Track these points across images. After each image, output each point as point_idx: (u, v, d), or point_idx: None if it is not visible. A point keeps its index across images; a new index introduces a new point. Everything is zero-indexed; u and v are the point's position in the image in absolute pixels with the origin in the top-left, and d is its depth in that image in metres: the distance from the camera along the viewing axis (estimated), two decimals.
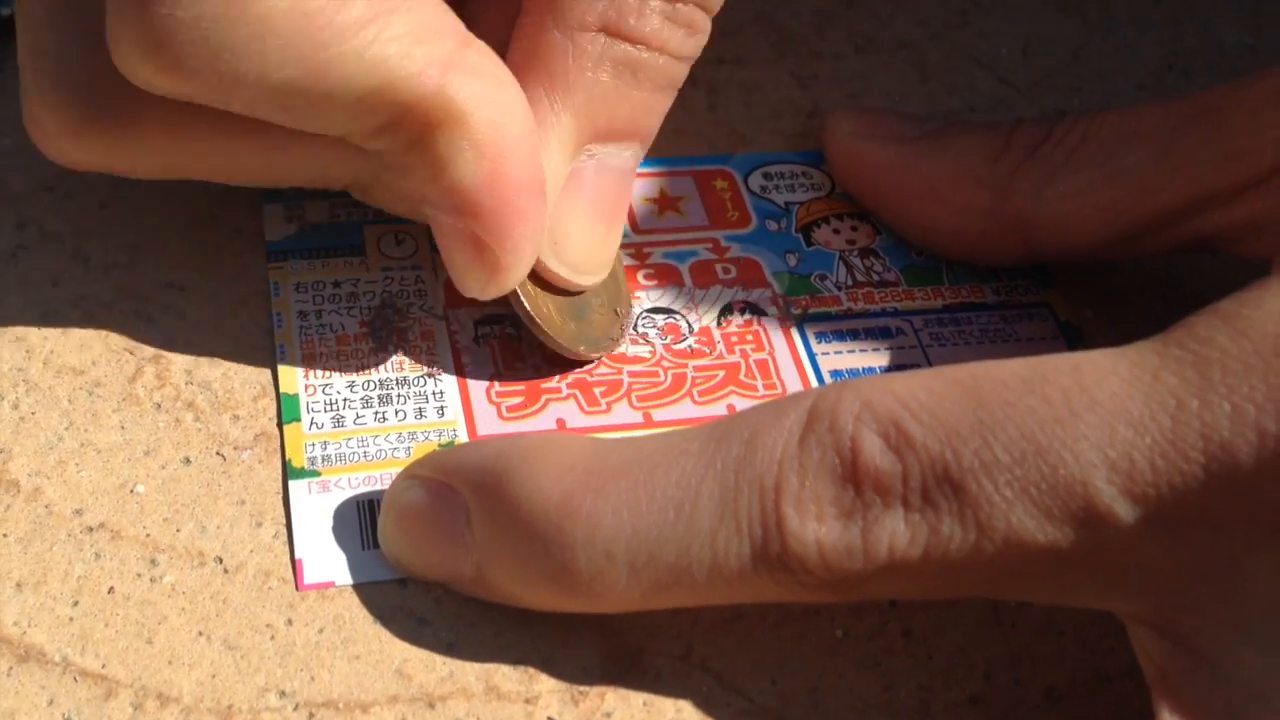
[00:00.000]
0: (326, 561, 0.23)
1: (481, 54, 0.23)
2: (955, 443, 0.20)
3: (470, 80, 0.22)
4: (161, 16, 0.20)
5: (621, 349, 0.26)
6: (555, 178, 0.24)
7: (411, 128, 0.22)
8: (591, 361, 0.26)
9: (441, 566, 0.23)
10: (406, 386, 0.26)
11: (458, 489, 0.22)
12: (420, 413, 0.25)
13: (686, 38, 0.24)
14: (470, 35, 0.23)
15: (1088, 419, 0.19)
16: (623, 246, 0.28)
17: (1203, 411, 0.19)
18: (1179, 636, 0.20)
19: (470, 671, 0.22)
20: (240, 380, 0.26)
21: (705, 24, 0.24)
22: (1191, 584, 0.19)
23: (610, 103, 0.24)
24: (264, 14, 0.20)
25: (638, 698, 0.22)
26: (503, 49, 0.24)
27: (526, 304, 0.25)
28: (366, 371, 0.26)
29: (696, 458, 0.21)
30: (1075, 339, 0.28)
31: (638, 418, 0.26)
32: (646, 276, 0.28)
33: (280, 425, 0.25)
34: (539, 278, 0.25)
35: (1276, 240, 0.24)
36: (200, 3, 0.20)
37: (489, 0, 0.26)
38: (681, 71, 0.25)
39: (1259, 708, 0.19)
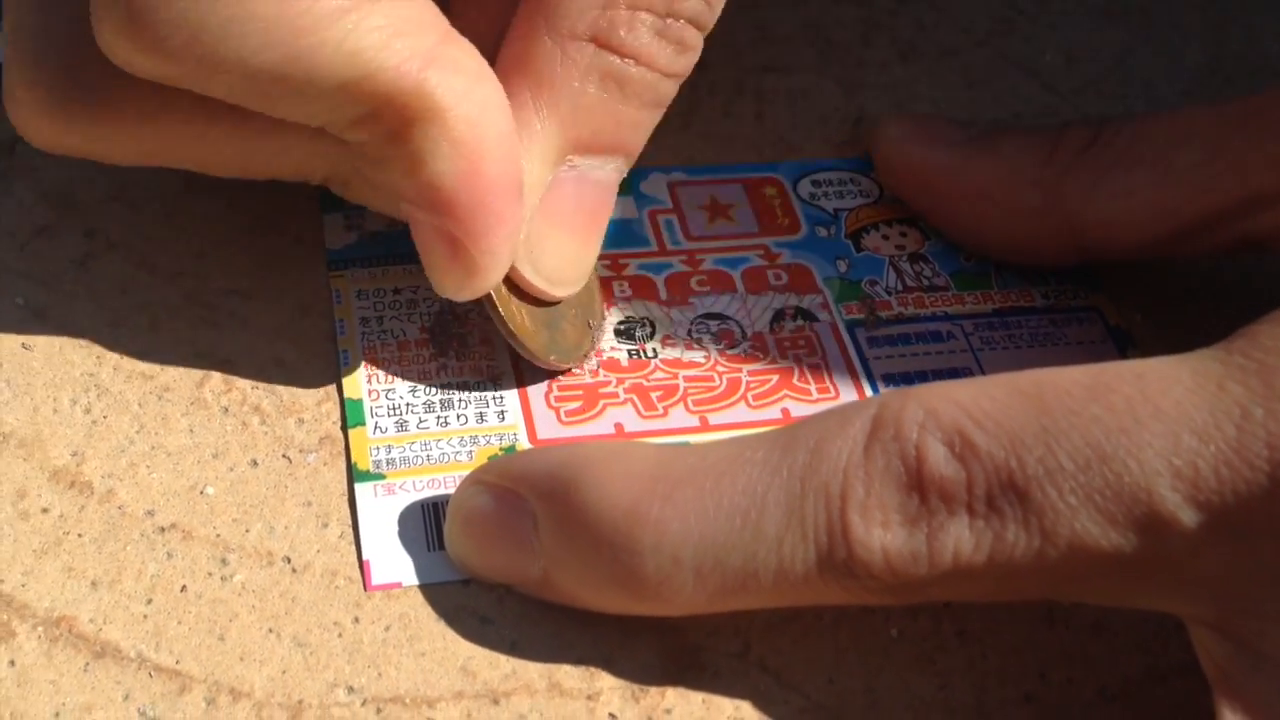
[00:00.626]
0: (393, 562, 0.24)
1: (463, 50, 0.23)
2: (1020, 450, 0.20)
3: (450, 75, 0.22)
4: None
5: (592, 363, 0.27)
6: (535, 185, 0.24)
7: (390, 120, 0.22)
8: (562, 371, 0.26)
9: (508, 570, 0.23)
10: (467, 391, 0.26)
11: (524, 495, 0.23)
12: (481, 417, 0.26)
13: (676, 55, 0.24)
14: (453, 31, 0.23)
15: (1152, 427, 0.19)
16: (675, 253, 0.29)
17: (1268, 420, 0.19)
18: (1241, 639, 0.20)
19: (533, 669, 0.23)
20: (304, 385, 0.26)
21: (696, 41, 0.24)
22: (1254, 589, 0.19)
23: (595, 115, 0.24)
24: None
25: (697, 695, 0.23)
26: (484, 51, 0.24)
27: (500, 309, 0.25)
28: (428, 377, 0.26)
29: (762, 466, 0.21)
30: (1124, 342, 0.28)
31: (694, 421, 0.26)
32: (699, 283, 0.28)
33: (345, 429, 0.25)
34: (514, 284, 0.25)
35: None
36: None
37: (472, 1, 0.26)
38: (670, 89, 0.25)
39: None
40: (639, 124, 0.25)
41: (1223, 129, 0.26)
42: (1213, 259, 0.29)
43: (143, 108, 0.24)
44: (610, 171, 0.25)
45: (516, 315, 0.25)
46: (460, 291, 0.24)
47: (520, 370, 0.26)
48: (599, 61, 0.24)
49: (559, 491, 0.22)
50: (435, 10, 0.23)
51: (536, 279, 0.25)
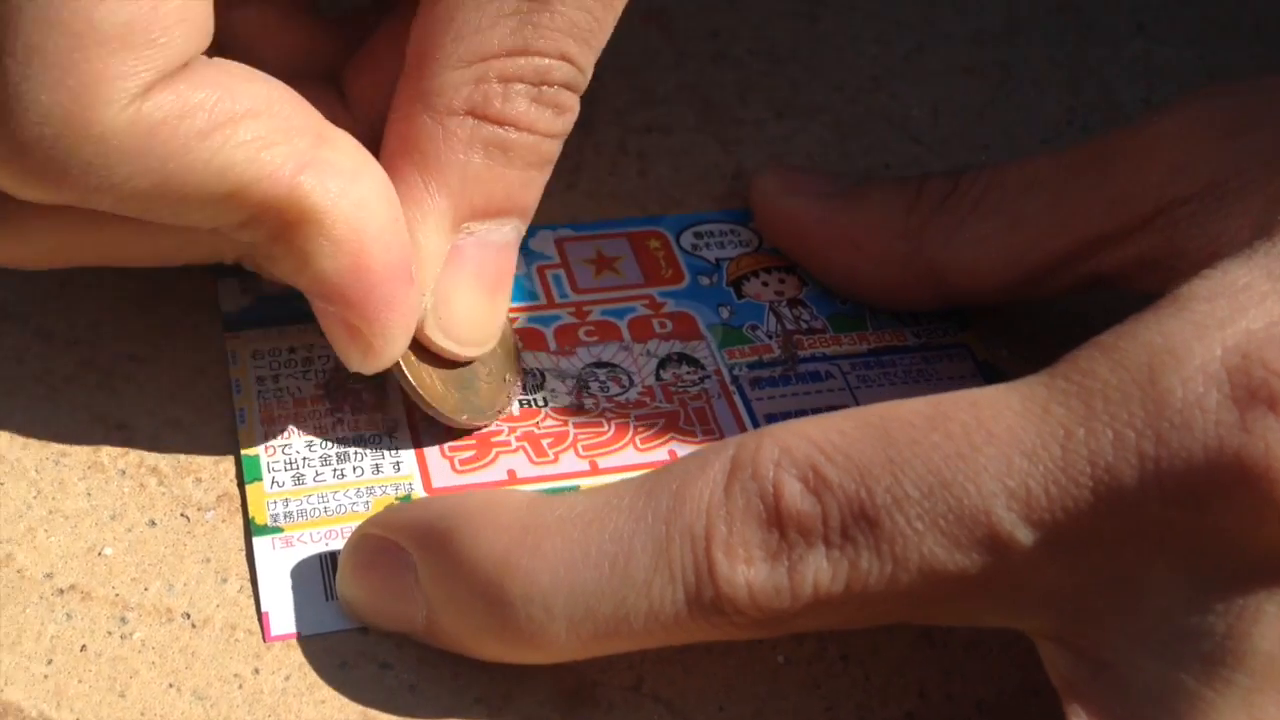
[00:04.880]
0: (291, 613, 0.24)
1: (339, 149, 0.24)
2: (869, 481, 0.21)
3: (325, 178, 0.23)
4: (7, 134, 0.21)
5: (511, 411, 0.27)
6: (435, 256, 0.25)
7: (271, 224, 0.23)
8: (477, 429, 0.27)
9: (395, 619, 0.24)
10: (363, 444, 0.27)
11: (406, 546, 0.23)
12: (377, 469, 0.27)
13: (555, 117, 0.25)
14: (331, 130, 0.24)
15: (987, 451, 0.20)
16: (563, 305, 0.30)
17: (1089, 439, 0.20)
18: (1081, 649, 0.21)
19: (432, 711, 0.24)
20: (201, 445, 0.27)
21: (573, 103, 0.25)
22: (1090, 600, 0.21)
23: (484, 182, 0.25)
24: (103, 133, 0.21)
25: None
26: (379, 125, 0.25)
27: (410, 376, 0.26)
28: (324, 431, 0.27)
29: (628, 512, 0.22)
30: (992, 376, 0.30)
31: (584, 466, 0.27)
32: (587, 333, 0.30)
33: (242, 485, 0.26)
34: (423, 349, 0.26)
35: (1164, 275, 0.25)
36: (40, 124, 0.21)
37: (361, 76, 0.27)
38: (553, 148, 0.26)
39: (1156, 709, 0.20)
40: (528, 184, 0.26)
41: (1067, 176, 0.28)
42: (1070, 298, 0.31)
43: (47, 221, 0.24)
44: (508, 232, 0.26)
45: (426, 380, 0.26)
46: (365, 367, 0.25)
47: (415, 421, 0.27)
48: (480, 132, 0.25)
49: (436, 543, 0.23)
50: (312, 114, 0.24)
51: (446, 342, 0.26)
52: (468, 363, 0.27)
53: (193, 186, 0.22)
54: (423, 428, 0.27)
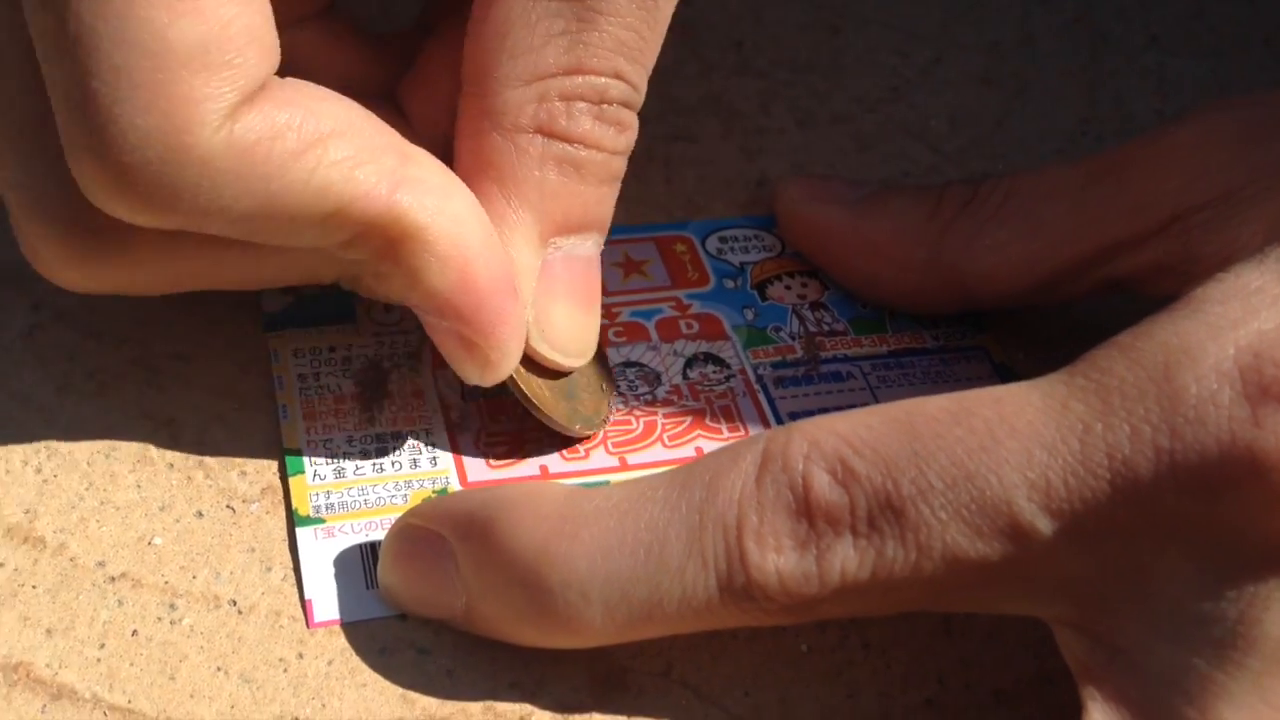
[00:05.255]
0: (333, 600, 0.25)
1: (426, 167, 0.24)
2: (894, 473, 0.22)
3: (420, 195, 0.24)
4: (111, 162, 0.22)
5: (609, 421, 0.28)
6: (528, 271, 0.26)
7: (375, 241, 0.24)
8: (587, 438, 0.28)
9: (435, 606, 0.25)
10: (401, 440, 0.28)
11: (446, 537, 0.24)
12: (414, 463, 0.27)
13: (618, 134, 0.26)
14: (411, 148, 0.24)
15: (1008, 445, 0.21)
16: None
17: (1106, 433, 0.21)
18: (1097, 635, 0.22)
19: (469, 695, 0.24)
20: (246, 439, 0.28)
21: (633, 121, 0.26)
22: (1106, 587, 0.21)
23: (562, 197, 0.26)
24: (204, 156, 0.22)
25: (623, 713, 0.24)
26: (440, 141, 0.26)
27: (524, 388, 0.27)
28: (363, 427, 0.28)
29: (662, 503, 0.23)
30: (1008, 378, 0.30)
31: (614, 462, 0.28)
32: (616, 334, 0.31)
33: (284, 478, 0.27)
34: (529, 361, 0.27)
35: (1178, 281, 0.26)
36: (143, 149, 0.21)
37: (416, 94, 0.27)
38: (620, 165, 0.26)
39: (1169, 692, 0.21)
40: (602, 200, 0.27)
41: (1084, 184, 0.29)
42: (1086, 303, 0.32)
43: (153, 247, 0.25)
44: (590, 246, 0.27)
45: (539, 391, 0.27)
46: (483, 379, 0.26)
47: (450, 419, 0.28)
48: (551, 150, 0.25)
49: (476, 533, 0.24)
50: (390, 132, 0.24)
51: (551, 353, 0.27)
52: (568, 373, 0.27)
53: (296, 206, 0.23)
54: (457, 424, 0.28)
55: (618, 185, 0.27)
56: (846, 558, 0.22)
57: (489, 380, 0.26)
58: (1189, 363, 0.21)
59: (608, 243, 0.32)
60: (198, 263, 0.25)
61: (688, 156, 0.35)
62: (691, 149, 0.35)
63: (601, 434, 0.28)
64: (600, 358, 0.29)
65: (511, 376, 0.26)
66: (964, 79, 0.38)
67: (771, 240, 0.33)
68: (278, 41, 0.23)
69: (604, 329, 0.30)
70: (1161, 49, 0.39)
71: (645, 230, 0.33)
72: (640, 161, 0.35)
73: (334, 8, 0.28)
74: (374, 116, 0.24)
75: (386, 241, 0.24)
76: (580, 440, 0.28)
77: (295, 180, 0.23)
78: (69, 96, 0.22)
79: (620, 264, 0.32)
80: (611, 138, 0.26)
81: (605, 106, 0.25)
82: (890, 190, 0.32)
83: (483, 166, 0.25)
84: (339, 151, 0.23)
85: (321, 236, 0.24)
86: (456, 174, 0.25)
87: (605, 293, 0.31)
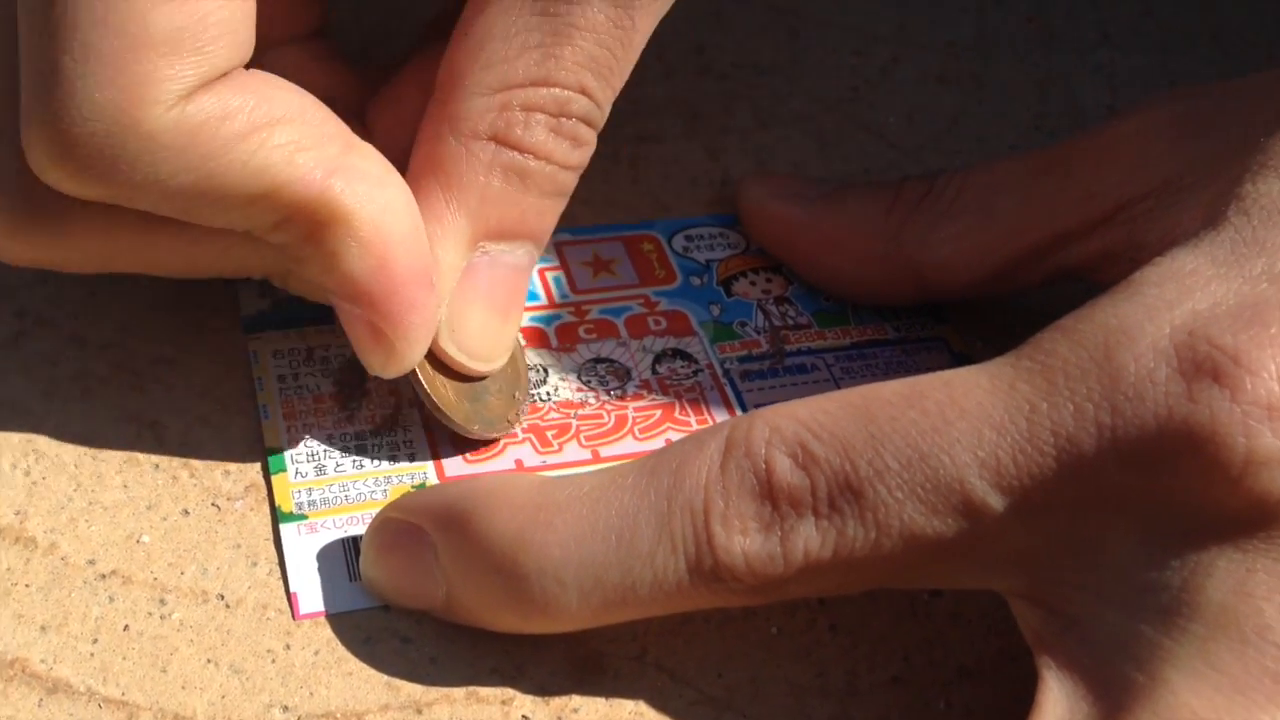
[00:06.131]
0: (318, 593, 0.26)
1: (366, 158, 0.25)
2: (852, 456, 0.23)
3: (354, 182, 0.25)
4: (60, 130, 0.23)
5: (516, 431, 0.29)
6: (451, 270, 0.27)
7: (303, 225, 0.25)
8: (489, 441, 0.29)
9: (415, 596, 0.26)
10: (379, 437, 0.29)
11: (425, 528, 0.25)
12: (393, 459, 0.28)
13: (572, 149, 0.27)
14: (356, 140, 0.25)
15: (959, 426, 0.22)
16: (563, 305, 0.32)
17: (1051, 412, 0.22)
18: (1050, 605, 0.23)
19: (452, 680, 0.25)
20: (229, 440, 0.28)
21: (590, 137, 0.27)
22: (1056, 559, 0.22)
23: (501, 205, 0.26)
24: (150, 131, 0.23)
25: (601, 695, 0.25)
26: (398, 155, 0.27)
27: (425, 384, 0.27)
28: (343, 425, 0.29)
29: (632, 490, 0.24)
30: None
31: (586, 455, 0.29)
32: (587, 331, 0.31)
33: (268, 476, 0.28)
34: (440, 362, 0.28)
35: (1127, 267, 0.27)
36: (93, 120, 0.23)
37: (384, 111, 0.29)
38: (569, 180, 0.27)
39: (1119, 658, 0.22)
40: (543, 212, 0.27)
41: (1034, 177, 0.30)
42: (1039, 292, 0.33)
43: (89, 223, 0.26)
44: (521, 256, 0.28)
45: (440, 389, 0.28)
46: (385, 369, 0.26)
47: (428, 418, 0.29)
48: (500, 157, 0.26)
49: (454, 524, 0.24)
50: (339, 123, 0.25)
51: (459, 355, 0.27)
52: (479, 377, 0.28)
53: (231, 186, 0.24)
54: (435, 423, 0.29)
55: (563, 200, 0.28)
56: (809, 538, 0.23)
57: (391, 371, 0.26)
58: (1128, 342, 0.22)
59: (577, 242, 0.33)
60: (131, 242, 0.26)
61: (653, 157, 0.36)
62: (657, 149, 0.36)
63: (574, 427, 0.29)
64: (517, 364, 0.29)
65: (415, 371, 0.27)
66: (921, 78, 0.39)
67: (736, 238, 0.34)
68: (253, 39, 0.24)
69: (574, 326, 0.31)
70: (1113, 46, 0.41)
71: (613, 230, 0.34)
72: (607, 163, 0.36)
73: (322, 32, 0.29)
74: (328, 110, 0.25)
75: (314, 225, 0.25)
76: (482, 442, 0.28)
77: (235, 160, 0.24)
78: (39, 70, 0.23)
79: (589, 263, 0.33)
80: (564, 151, 0.27)
81: (564, 120, 0.26)
82: (849, 187, 0.33)
83: (431, 167, 0.26)
84: (283, 136, 0.24)
85: (251, 217, 0.25)
86: (408, 173, 0.26)
87: (575, 291, 0.32)
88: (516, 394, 0.29)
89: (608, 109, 0.27)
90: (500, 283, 0.27)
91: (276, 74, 0.25)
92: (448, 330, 0.27)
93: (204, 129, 0.23)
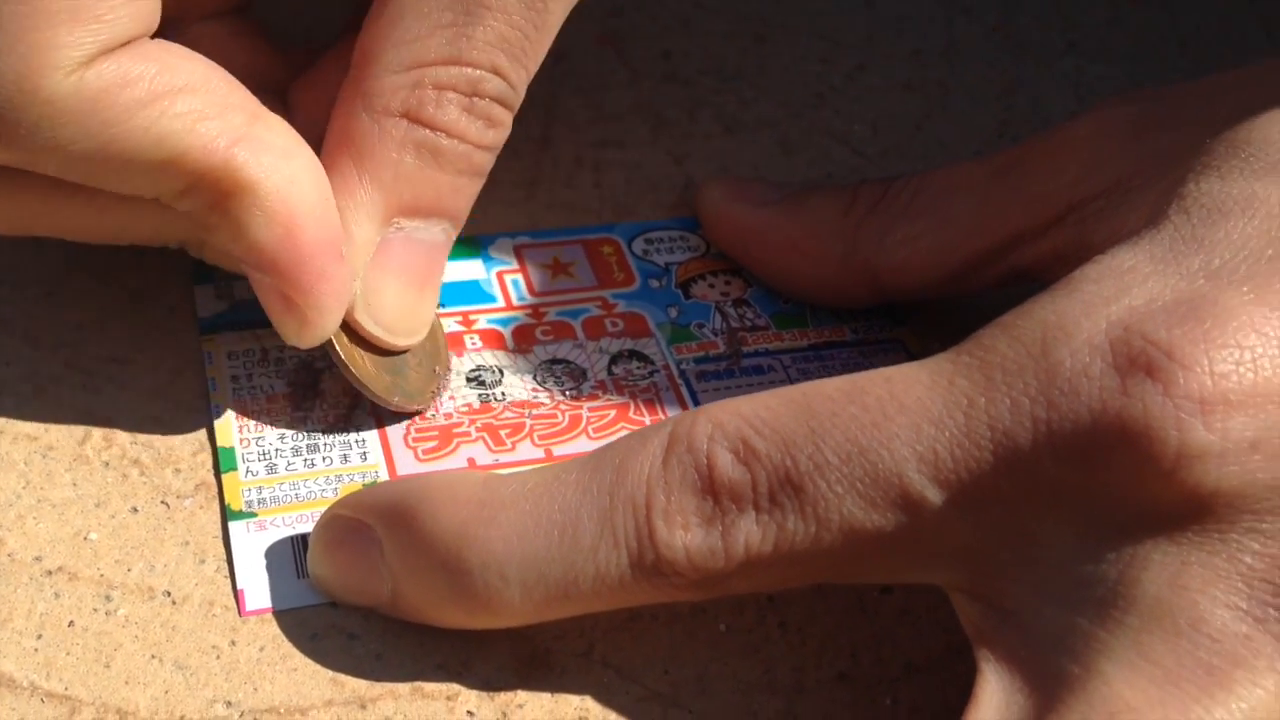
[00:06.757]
0: (265, 590, 0.26)
1: (272, 129, 0.26)
2: (793, 451, 0.23)
3: (259, 153, 0.25)
4: None
5: (445, 405, 0.29)
6: (365, 244, 0.27)
7: (207, 193, 0.25)
8: (411, 414, 0.29)
9: (362, 593, 0.26)
10: (332, 436, 0.29)
11: (371, 525, 0.25)
12: (345, 458, 0.28)
13: (485, 129, 0.27)
14: (264, 112, 0.26)
15: (898, 421, 0.22)
16: (520, 308, 0.32)
17: (989, 407, 0.22)
18: (989, 599, 0.23)
19: (398, 676, 0.25)
20: (180, 438, 0.28)
21: (504, 117, 0.27)
22: (994, 553, 0.23)
23: (414, 182, 0.27)
24: (49, 97, 0.23)
25: (547, 690, 0.25)
26: (319, 134, 0.27)
27: (342, 354, 0.28)
28: (295, 425, 0.29)
29: (575, 485, 0.24)
30: None
31: (540, 454, 0.29)
32: (544, 332, 0.32)
33: (218, 474, 0.28)
34: (359, 335, 0.28)
35: (1076, 267, 0.28)
36: None
37: (306, 90, 0.29)
38: (484, 159, 0.28)
39: (1055, 650, 0.22)
40: (458, 190, 0.28)
41: (989, 179, 0.30)
42: (995, 293, 0.33)
43: (1, 187, 0.26)
44: (437, 233, 0.28)
45: (359, 360, 0.28)
46: (300, 339, 0.27)
47: (380, 414, 0.29)
48: (412, 134, 0.27)
49: (400, 520, 0.24)
50: (245, 94, 0.26)
51: (375, 329, 0.28)
52: (399, 351, 0.28)
53: (131, 152, 0.24)
54: (387, 420, 0.29)
55: (479, 180, 0.28)
56: (750, 533, 0.23)
57: (306, 341, 0.27)
58: (1064, 338, 0.22)
59: (536, 246, 0.33)
60: (40, 207, 0.26)
61: (616, 161, 0.36)
62: (620, 154, 0.36)
63: (528, 426, 0.29)
64: (437, 339, 0.30)
65: (332, 342, 0.27)
66: (887, 85, 0.39)
67: (697, 241, 0.34)
68: (158, 12, 0.24)
69: (530, 327, 0.32)
70: (1079, 54, 0.41)
71: (573, 233, 0.34)
72: (570, 167, 0.36)
73: (245, 9, 0.29)
74: (235, 81, 0.26)
75: (219, 194, 0.25)
76: (406, 416, 0.29)
77: (136, 127, 0.24)
78: None
79: (548, 266, 0.33)
80: (477, 130, 0.27)
81: (476, 100, 0.27)
82: (806, 189, 0.33)
83: (345, 143, 0.27)
84: (186, 105, 0.24)
85: (154, 184, 0.25)
86: (322, 150, 0.27)
87: (533, 293, 0.32)
88: (436, 368, 0.29)
89: (523, 90, 0.27)
90: (416, 258, 0.28)
91: (196, 49, 0.25)
92: (363, 304, 0.28)
93: (104, 96, 0.24)
